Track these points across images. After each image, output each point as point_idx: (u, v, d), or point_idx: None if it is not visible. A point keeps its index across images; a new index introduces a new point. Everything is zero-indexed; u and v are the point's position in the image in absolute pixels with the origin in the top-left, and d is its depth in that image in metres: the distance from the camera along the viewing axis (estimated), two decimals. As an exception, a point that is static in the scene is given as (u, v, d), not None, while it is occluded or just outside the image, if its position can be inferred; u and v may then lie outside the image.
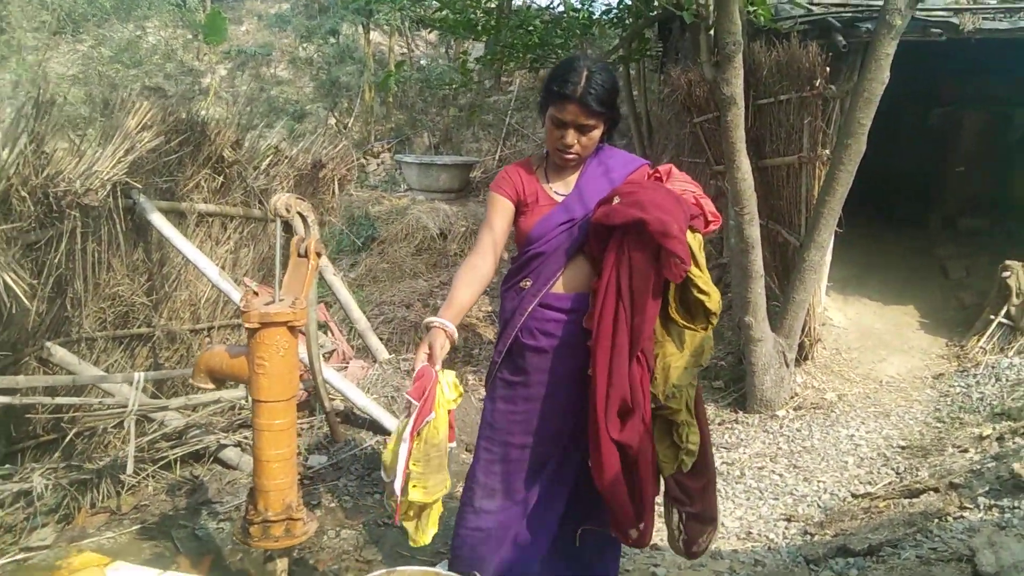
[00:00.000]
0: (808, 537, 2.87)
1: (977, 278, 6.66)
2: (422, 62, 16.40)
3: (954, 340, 5.77)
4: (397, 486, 1.93)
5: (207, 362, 2.20)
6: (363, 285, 9.93)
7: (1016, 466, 2.64)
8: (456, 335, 2.07)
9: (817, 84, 4.57)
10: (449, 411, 2.00)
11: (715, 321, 2.16)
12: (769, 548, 2.90)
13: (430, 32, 15.06)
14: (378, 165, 14.75)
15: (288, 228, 2.28)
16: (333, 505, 3.47)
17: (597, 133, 2.17)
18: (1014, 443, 3.50)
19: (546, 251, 2.21)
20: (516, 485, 2.27)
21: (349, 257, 10.46)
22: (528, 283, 2.24)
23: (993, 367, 5.08)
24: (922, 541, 2.36)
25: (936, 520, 2.48)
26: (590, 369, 2.10)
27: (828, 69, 4.56)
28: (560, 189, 2.27)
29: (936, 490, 2.94)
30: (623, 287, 2.06)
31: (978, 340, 5.49)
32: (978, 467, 3.09)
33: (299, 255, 2.21)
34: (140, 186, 3.65)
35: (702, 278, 2.09)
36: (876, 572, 2.24)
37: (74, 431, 3.54)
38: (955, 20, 4.99)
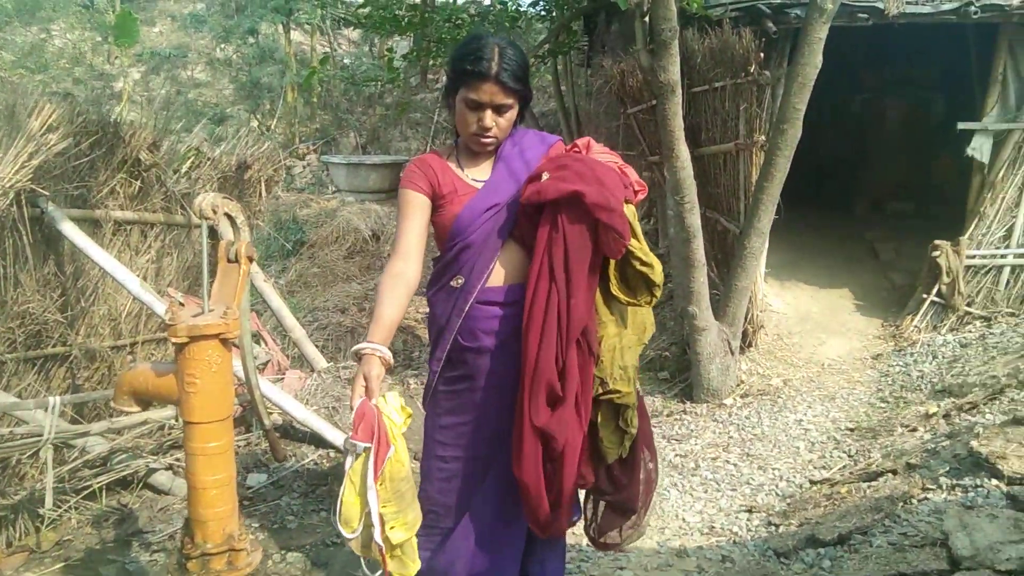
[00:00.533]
0: (773, 528, 2.82)
1: (906, 259, 6.82)
2: (345, 61, 16.07)
3: (889, 320, 5.87)
4: (377, 535, 1.77)
5: (130, 382, 2.00)
6: (294, 291, 9.62)
7: (974, 443, 2.63)
8: (391, 359, 1.91)
9: (752, 70, 4.56)
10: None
11: (658, 294, 2.05)
12: (734, 542, 2.83)
13: (353, 30, 14.75)
14: (304, 167, 14.37)
15: (214, 233, 2.09)
16: (276, 526, 3.27)
17: (513, 113, 2.05)
18: (961, 419, 3.54)
19: (475, 241, 2.04)
20: (478, 498, 2.12)
21: (278, 262, 10.13)
22: (460, 280, 2.06)
23: (928, 345, 5.18)
24: (891, 526, 2.32)
25: (902, 504, 2.45)
26: (521, 358, 1.98)
27: (762, 55, 4.55)
28: (478, 176, 2.12)
29: (894, 472, 2.93)
30: (556, 267, 1.93)
31: (912, 319, 5.60)
32: (932, 446, 3.10)
33: (229, 260, 2.02)
34: (48, 193, 3.37)
35: (641, 249, 1.98)
36: (850, 562, 2.18)
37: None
38: (880, 5, 5.05)
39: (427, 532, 2.17)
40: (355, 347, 1.92)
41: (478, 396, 2.10)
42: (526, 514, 2.02)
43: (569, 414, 1.93)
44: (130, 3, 15.93)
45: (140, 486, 3.49)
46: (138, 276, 4.11)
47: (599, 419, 2.06)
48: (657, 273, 1.98)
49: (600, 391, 2.03)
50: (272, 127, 15.06)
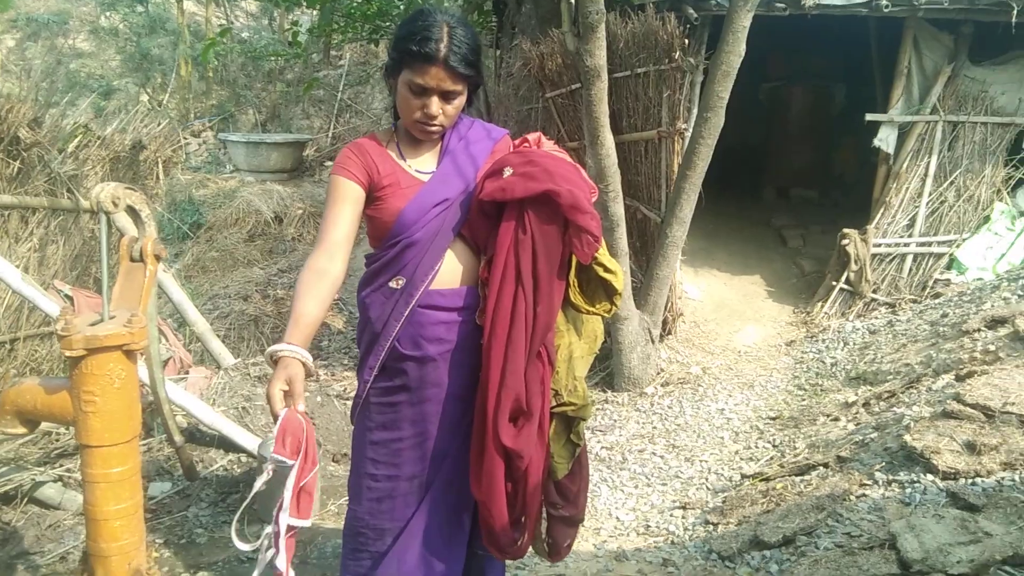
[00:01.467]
0: (711, 528, 2.77)
1: (813, 246, 7.01)
2: (244, 34, 15.33)
3: (800, 307, 6.00)
4: (282, 563, 1.57)
5: (15, 401, 1.73)
6: (191, 276, 9.09)
7: (907, 438, 2.65)
8: (312, 363, 1.70)
9: (676, 56, 4.50)
10: None
11: (619, 303, 1.94)
12: (672, 543, 2.77)
13: (251, 2, 14.07)
14: (200, 145, 13.66)
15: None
16: (183, 541, 3.01)
17: (461, 100, 1.85)
18: (880, 409, 3.60)
19: (420, 239, 1.85)
20: (412, 522, 1.93)
21: (173, 246, 9.56)
22: (401, 281, 1.86)
23: (839, 331, 5.31)
24: (835, 526, 2.30)
25: (842, 501, 2.44)
26: (482, 371, 1.82)
27: (687, 41, 4.50)
28: (421, 167, 1.93)
29: (825, 465, 2.94)
30: (524, 271, 1.77)
31: (822, 306, 5.74)
32: (860, 438, 3.13)
33: (132, 259, 1.77)
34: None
35: (605, 255, 1.86)
36: (799, 567, 2.14)
37: None
38: (797, -5, 5.10)
39: (355, 556, 1.99)
40: (271, 349, 1.69)
41: (418, 409, 1.90)
42: (485, 537, 1.87)
43: (534, 430, 1.79)
44: (2, -37, 14.66)
45: (25, 501, 3.14)
46: (20, 266, 3.73)
47: (551, 432, 1.93)
48: (619, 280, 1.85)
49: (554, 403, 1.90)
50: (164, 102, 14.25)
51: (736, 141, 8.70)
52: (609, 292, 1.87)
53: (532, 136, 1.97)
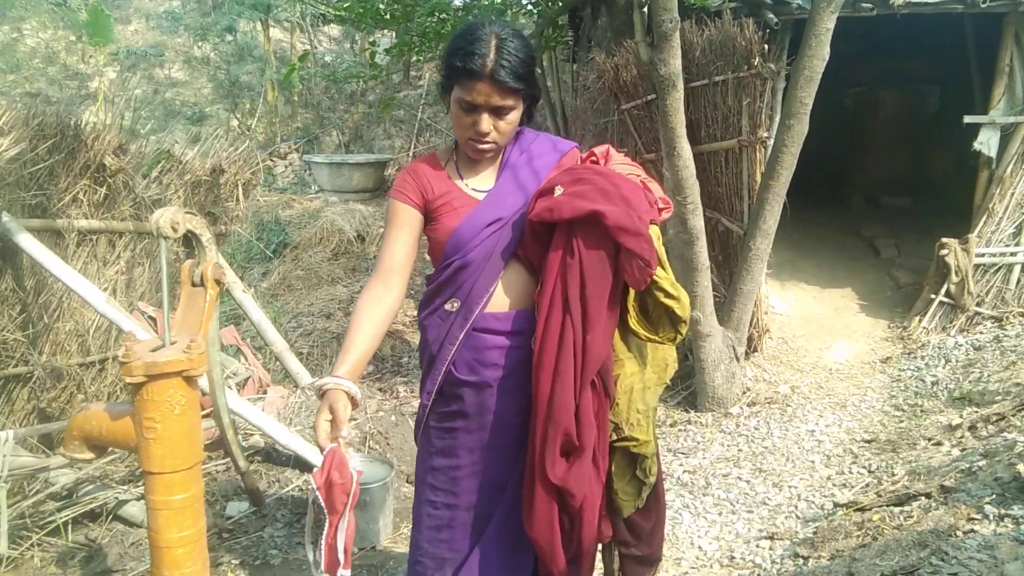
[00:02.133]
0: (801, 562, 2.59)
1: (907, 256, 6.63)
2: (326, 58, 15.78)
3: (895, 321, 5.67)
4: None
5: (81, 427, 1.74)
6: (277, 295, 9.33)
7: (1021, 468, 2.42)
8: (358, 395, 1.66)
9: (755, 63, 4.33)
10: None
11: (684, 331, 1.80)
12: (759, 577, 2.61)
13: (333, 26, 14.46)
14: (286, 167, 14.10)
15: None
16: (258, 562, 3.01)
17: (516, 115, 1.77)
18: (989, 432, 3.32)
19: (473, 260, 1.78)
20: (472, 554, 1.85)
21: (260, 265, 9.84)
22: (456, 304, 1.81)
23: (939, 347, 4.98)
24: (939, 566, 2.10)
25: (948, 538, 2.23)
26: (532, 402, 1.73)
27: (766, 47, 4.32)
28: (479, 185, 1.86)
29: (928, 495, 2.71)
30: (572, 297, 1.68)
31: (920, 320, 5.40)
32: (966, 465, 2.88)
33: (193, 284, 1.76)
34: (1, 204, 3.08)
35: (667, 279, 1.74)
36: (900, 611, 1.96)
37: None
38: (885, -6, 4.84)
39: None
40: (318, 382, 1.67)
41: (475, 437, 1.84)
42: (542, 571, 1.78)
43: (586, 466, 1.69)
44: (103, 1, 15.54)
45: (110, 519, 3.22)
46: (107, 289, 3.85)
47: (613, 468, 1.82)
48: (684, 307, 1.73)
49: (614, 437, 1.79)
50: (252, 126, 14.77)
51: (822, 148, 8.37)
52: (673, 320, 1.75)
53: (599, 149, 1.86)
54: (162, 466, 1.64)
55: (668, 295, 1.72)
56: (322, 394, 1.64)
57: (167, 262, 1.68)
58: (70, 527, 3.10)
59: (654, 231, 1.74)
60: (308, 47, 15.59)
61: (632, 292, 1.76)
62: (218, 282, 1.76)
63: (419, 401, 1.94)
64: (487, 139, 1.76)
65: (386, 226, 1.87)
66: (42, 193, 3.41)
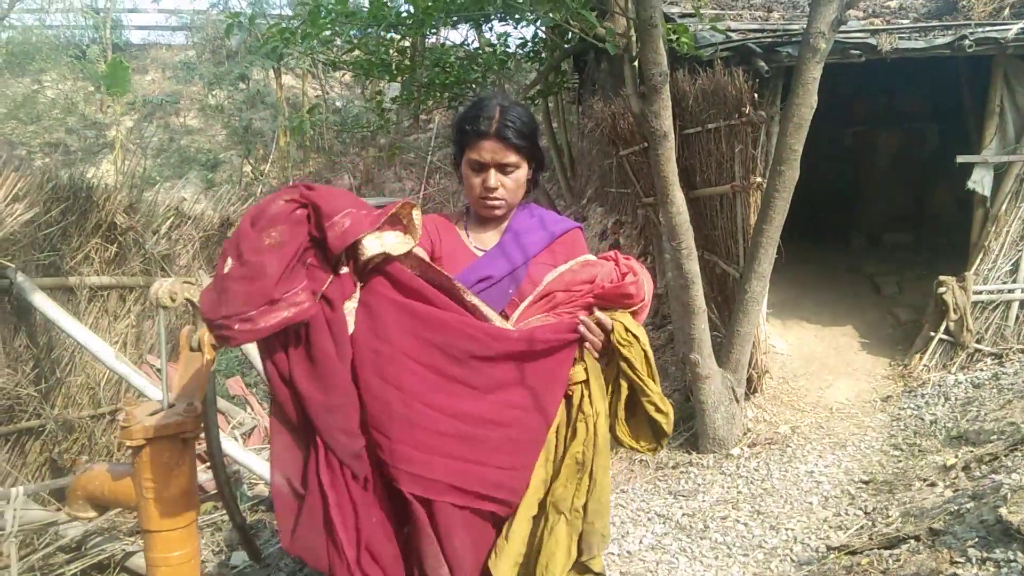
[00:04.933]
0: (790, 608, 2.63)
1: (909, 293, 6.67)
2: (337, 104, 16.09)
3: (896, 359, 5.70)
4: None
5: (85, 486, 1.83)
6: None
7: (1003, 511, 2.46)
8: None
9: (746, 111, 4.44)
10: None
11: (664, 444, 1.88)
12: (749, 623, 2.64)
13: (344, 74, 14.78)
14: (298, 211, 14.29)
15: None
16: (261, 612, 3.08)
17: (521, 174, 1.92)
18: (981, 473, 3.35)
19: None
20: None
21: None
22: None
23: (940, 385, 5.01)
24: (920, 612, 2.14)
25: (929, 583, 2.27)
26: None
27: (756, 95, 4.44)
28: (482, 244, 1.99)
29: (917, 538, 2.75)
30: None
31: (921, 358, 5.43)
32: (955, 507, 2.91)
33: (192, 349, 1.86)
34: (15, 265, 3.22)
35: (657, 393, 1.81)
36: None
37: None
38: (873, 41, 4.96)
39: None
40: None
41: None
42: None
43: None
44: (121, 53, 15.97)
45: (117, 570, 3.29)
46: (118, 342, 3.97)
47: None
48: (669, 423, 1.82)
49: None
50: (266, 171, 15.03)
51: (822, 186, 8.47)
52: (657, 433, 1.83)
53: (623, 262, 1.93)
54: (160, 524, 1.73)
55: (658, 409, 1.80)
56: None
57: (163, 330, 1.79)
58: (79, 579, 3.17)
59: (638, 349, 1.79)
60: (319, 93, 15.92)
61: (622, 399, 1.83)
62: (214, 347, 1.86)
63: None
64: (496, 195, 1.90)
65: None
66: (55, 253, 3.55)
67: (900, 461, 4.12)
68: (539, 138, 1.95)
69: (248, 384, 4.75)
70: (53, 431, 3.78)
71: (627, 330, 1.79)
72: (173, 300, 1.76)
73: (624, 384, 1.82)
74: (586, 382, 1.80)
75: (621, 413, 1.84)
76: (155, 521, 1.73)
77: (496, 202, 1.92)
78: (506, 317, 1.89)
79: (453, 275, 1.88)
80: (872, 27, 5.34)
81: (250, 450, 3.70)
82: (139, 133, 16.03)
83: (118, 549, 3.25)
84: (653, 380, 1.80)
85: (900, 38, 5.05)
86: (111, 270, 3.91)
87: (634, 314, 1.85)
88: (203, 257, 4.36)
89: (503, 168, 1.88)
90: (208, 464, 2.51)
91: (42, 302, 3.31)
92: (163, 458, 1.70)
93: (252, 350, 4.44)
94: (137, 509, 1.75)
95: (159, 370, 3.90)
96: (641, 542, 3.68)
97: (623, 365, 1.79)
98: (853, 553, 2.94)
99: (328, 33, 5.59)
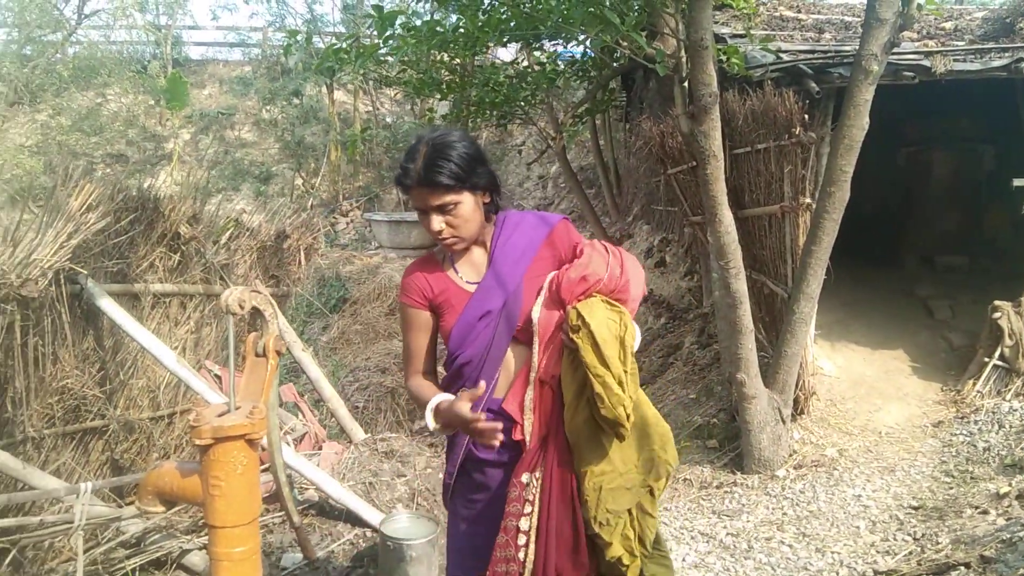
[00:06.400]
0: (835, 629, 2.62)
1: (963, 318, 6.54)
2: (387, 119, 16.38)
3: (949, 384, 5.59)
4: None
5: (155, 483, 1.93)
6: (336, 348, 9.61)
7: (1056, 541, 2.43)
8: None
9: (796, 132, 4.45)
10: None
11: (626, 428, 1.79)
12: (793, 644, 2.64)
13: (396, 92, 15.05)
14: (348, 224, 14.58)
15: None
16: (309, 613, 3.16)
17: (465, 207, 1.86)
18: (1036, 503, 3.29)
19: (473, 356, 1.90)
20: None
21: (321, 320, 10.17)
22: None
23: (993, 412, 4.90)
24: (968, 638, 2.13)
25: (979, 609, 2.25)
26: None
27: (806, 116, 4.44)
28: (471, 276, 1.98)
29: (967, 565, 2.72)
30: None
31: (974, 384, 5.32)
32: (1007, 535, 2.87)
33: (256, 355, 1.95)
34: (86, 271, 3.38)
35: (605, 376, 1.76)
36: None
37: (19, 544, 3.19)
38: (927, 63, 4.92)
39: None
40: (430, 405, 1.87)
41: (497, 509, 1.90)
42: None
43: None
44: (181, 68, 16.50)
45: (174, 567, 3.41)
46: (178, 347, 4.12)
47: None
48: (613, 411, 1.75)
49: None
50: (316, 185, 15.33)
51: (874, 207, 8.37)
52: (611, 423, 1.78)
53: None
54: (224, 520, 1.81)
55: (600, 399, 1.74)
56: (436, 408, 1.86)
57: (232, 336, 1.88)
58: (137, 574, 3.29)
59: (585, 334, 1.77)
60: (370, 109, 16.21)
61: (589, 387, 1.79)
62: (278, 353, 1.95)
63: (445, 489, 2.08)
64: (444, 235, 1.88)
65: (403, 331, 2.03)
66: (123, 261, 3.71)
67: (951, 488, 4.05)
68: (478, 165, 1.87)
69: (299, 392, 4.88)
70: (115, 431, 3.93)
71: (578, 315, 1.78)
72: (242, 307, 1.85)
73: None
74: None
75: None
76: (220, 517, 1.81)
77: (450, 240, 1.90)
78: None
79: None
80: (926, 49, 5.29)
81: (301, 455, 3.80)
82: (195, 145, 16.53)
83: (175, 546, 3.37)
84: (605, 366, 1.75)
85: (955, 60, 5.00)
86: (173, 278, 4.06)
87: (621, 300, 1.86)
88: (259, 267, 4.50)
89: (441, 209, 1.85)
90: (266, 466, 2.61)
91: (110, 307, 3.47)
92: (230, 457, 1.79)
93: (305, 358, 4.57)
94: (203, 505, 1.84)
95: (217, 375, 4.04)
96: (684, 560, 3.68)
97: (577, 352, 1.77)
98: (900, 577, 2.91)
99: (383, 52, 5.73)
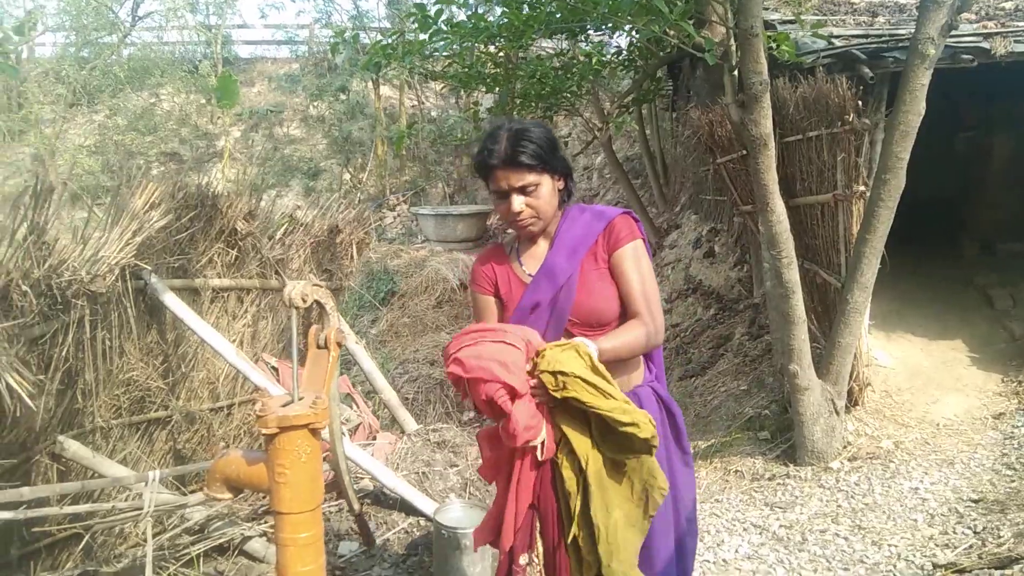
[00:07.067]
0: (894, 622, 2.59)
1: (1024, 306, 6.36)
2: (433, 114, 16.49)
3: (1010, 375, 5.45)
4: None
5: (223, 470, 2.00)
6: (385, 341, 9.75)
7: (1126, 535, 2.36)
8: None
9: (849, 119, 4.37)
10: None
11: (656, 444, 1.78)
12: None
13: (442, 86, 15.14)
14: (395, 218, 14.74)
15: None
16: (367, 600, 3.23)
17: (545, 190, 1.96)
18: (1103, 496, 3.20)
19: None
20: None
21: (370, 313, 10.32)
22: None
23: (1057, 403, 4.77)
24: (1033, 632, 2.09)
25: (1045, 604, 2.21)
26: None
27: (859, 102, 4.36)
28: (532, 267, 2.06)
29: (1030, 559, 2.66)
30: None
31: (1036, 375, 5.19)
32: (1072, 530, 2.81)
33: (318, 347, 2.01)
34: (150, 267, 3.49)
35: (618, 407, 1.75)
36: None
37: (91, 530, 3.33)
38: (986, 45, 4.79)
39: None
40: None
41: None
42: None
43: None
44: (230, 67, 16.83)
45: (236, 553, 3.52)
46: (235, 340, 4.23)
47: None
48: (645, 427, 1.75)
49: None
50: (364, 180, 15.52)
51: (931, 193, 8.15)
52: (638, 444, 1.77)
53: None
54: (290, 507, 1.88)
55: (622, 423, 1.73)
56: None
57: (296, 328, 1.94)
58: (201, 560, 3.40)
59: (578, 363, 1.75)
60: (416, 103, 16.34)
61: (592, 423, 1.81)
62: (339, 344, 2.01)
63: None
64: (523, 217, 1.96)
65: (475, 318, 2.11)
66: (184, 256, 3.83)
67: (1013, 481, 3.96)
68: (557, 150, 1.97)
69: (353, 383, 4.97)
70: (178, 422, 4.06)
71: (555, 374, 1.74)
72: (304, 301, 1.91)
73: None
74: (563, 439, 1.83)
75: (596, 434, 1.83)
76: (286, 504, 1.87)
77: (527, 221, 1.98)
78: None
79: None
80: (985, 30, 5.14)
81: (356, 445, 3.88)
82: (246, 143, 16.86)
83: (237, 533, 3.47)
84: (604, 397, 1.74)
85: (1016, 41, 4.86)
86: (231, 273, 4.17)
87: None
88: (313, 262, 4.59)
89: (523, 190, 1.93)
90: (324, 455, 2.68)
91: (172, 302, 3.58)
92: (294, 446, 1.85)
93: (359, 350, 4.65)
94: (269, 492, 1.90)
95: (274, 368, 4.14)
96: (737, 551, 3.67)
97: (574, 403, 1.76)
98: (961, 572, 2.86)
99: (428, 49, 5.78)
